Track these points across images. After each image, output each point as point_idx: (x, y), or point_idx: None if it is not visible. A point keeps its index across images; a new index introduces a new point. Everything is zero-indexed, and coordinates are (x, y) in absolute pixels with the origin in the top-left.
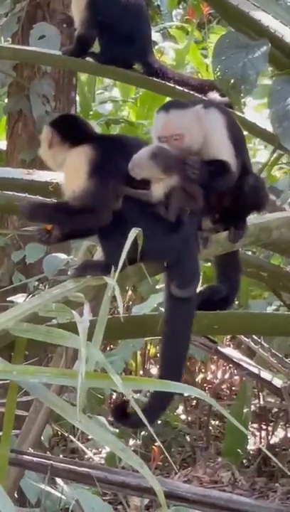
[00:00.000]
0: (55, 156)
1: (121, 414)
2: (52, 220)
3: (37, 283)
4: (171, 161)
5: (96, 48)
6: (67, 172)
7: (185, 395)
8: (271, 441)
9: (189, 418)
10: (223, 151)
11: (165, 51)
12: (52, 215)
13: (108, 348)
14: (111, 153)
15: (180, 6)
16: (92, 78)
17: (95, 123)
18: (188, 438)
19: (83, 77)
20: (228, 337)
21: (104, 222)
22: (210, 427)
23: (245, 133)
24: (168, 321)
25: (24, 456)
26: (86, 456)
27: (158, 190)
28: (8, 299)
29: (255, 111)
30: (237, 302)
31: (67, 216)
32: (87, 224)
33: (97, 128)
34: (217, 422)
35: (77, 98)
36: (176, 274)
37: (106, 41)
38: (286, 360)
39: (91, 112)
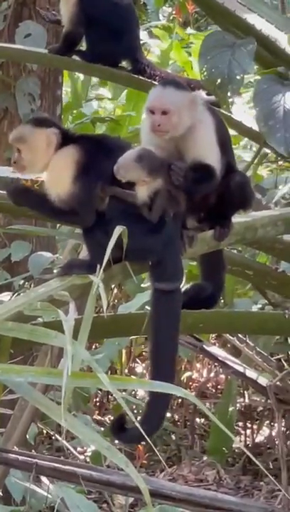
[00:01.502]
0: (46, 159)
1: (119, 428)
2: (36, 210)
3: (22, 281)
4: (156, 165)
5: (82, 46)
6: (52, 175)
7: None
8: (257, 440)
9: (174, 416)
10: (210, 155)
11: (151, 49)
12: (36, 205)
13: (93, 347)
14: (97, 153)
15: (167, 5)
16: (87, 76)
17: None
18: (173, 436)
19: (77, 74)
20: (213, 336)
21: (87, 224)
22: (195, 426)
23: (232, 132)
24: (153, 317)
25: (9, 454)
26: (71, 455)
27: (142, 193)
28: None
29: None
30: (222, 301)
31: (51, 212)
32: (70, 223)
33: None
34: (202, 421)
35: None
36: (160, 272)
37: (93, 38)
38: (272, 358)
39: (74, 111)
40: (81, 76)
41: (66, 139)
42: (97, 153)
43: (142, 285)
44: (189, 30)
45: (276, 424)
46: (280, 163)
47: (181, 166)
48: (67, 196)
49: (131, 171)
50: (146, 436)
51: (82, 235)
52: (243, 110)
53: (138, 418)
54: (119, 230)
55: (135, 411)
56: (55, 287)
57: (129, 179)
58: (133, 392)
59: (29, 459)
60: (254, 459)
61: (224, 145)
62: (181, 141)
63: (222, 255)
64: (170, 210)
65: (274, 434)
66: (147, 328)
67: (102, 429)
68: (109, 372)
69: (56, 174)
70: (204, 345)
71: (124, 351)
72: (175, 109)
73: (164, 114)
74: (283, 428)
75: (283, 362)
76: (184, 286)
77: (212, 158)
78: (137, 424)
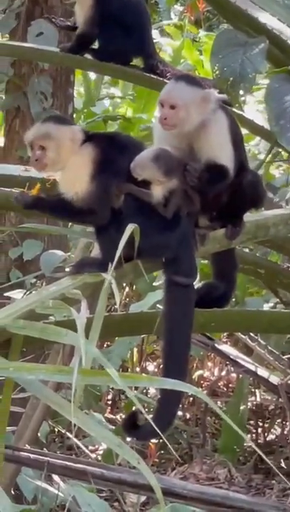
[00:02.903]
0: (69, 157)
1: (132, 425)
2: (50, 214)
3: (34, 280)
4: (173, 165)
5: (94, 44)
6: (70, 174)
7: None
8: (268, 439)
9: (186, 415)
10: (223, 155)
11: (163, 48)
12: (50, 211)
13: (105, 346)
14: (112, 151)
15: (178, 3)
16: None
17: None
18: (184, 435)
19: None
20: (225, 334)
21: (103, 222)
22: (207, 424)
23: (245, 131)
24: (168, 311)
25: (21, 452)
26: (83, 453)
27: (158, 192)
28: (5, 294)
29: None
30: (233, 299)
31: (67, 213)
32: (86, 221)
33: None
34: (213, 419)
35: (76, 94)
36: (175, 267)
37: (105, 36)
38: (283, 357)
39: (85, 110)
40: (93, 75)
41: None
42: (112, 150)
43: (154, 284)
44: (200, 29)
45: (287, 423)
46: None
47: (196, 167)
48: (85, 194)
49: (148, 170)
50: (159, 433)
51: (94, 233)
52: (255, 109)
53: (150, 416)
54: (130, 227)
55: (146, 409)
56: (67, 286)
57: (145, 178)
58: (144, 391)
59: (41, 457)
60: (265, 457)
61: (237, 144)
62: (194, 140)
63: (234, 254)
64: (185, 209)
65: (285, 432)
66: (159, 327)
67: (114, 427)
68: (121, 370)
69: (74, 173)
70: (215, 344)
71: (135, 350)
72: (183, 105)
73: (172, 109)
74: None
75: None
76: (196, 285)
77: (226, 158)
78: (150, 421)
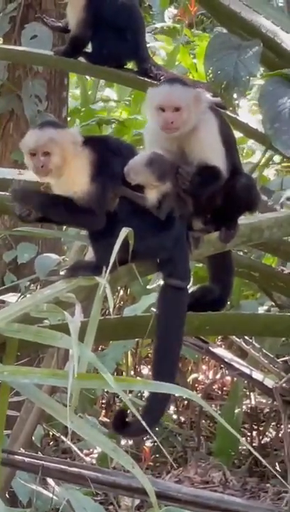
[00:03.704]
0: (72, 160)
1: (121, 423)
2: (44, 211)
3: (28, 283)
4: (166, 169)
5: (88, 48)
6: (70, 176)
7: (177, 395)
8: (263, 442)
9: (180, 418)
10: (215, 156)
11: (156, 52)
12: (45, 206)
13: (99, 349)
14: (107, 154)
15: (172, 6)
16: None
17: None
18: (179, 438)
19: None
20: (219, 337)
21: (99, 225)
22: (201, 427)
23: (239, 134)
24: (161, 313)
25: (15, 456)
26: (77, 457)
27: (152, 196)
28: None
29: (251, 114)
30: (228, 303)
31: (63, 212)
32: (81, 224)
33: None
34: (208, 422)
35: (71, 97)
36: (170, 269)
37: (99, 40)
38: (278, 360)
39: (82, 110)
40: (90, 77)
41: None
42: (107, 153)
43: (148, 287)
44: (193, 31)
45: (282, 426)
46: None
47: (188, 170)
48: (85, 196)
49: (141, 175)
50: (148, 430)
51: (88, 237)
52: (247, 109)
53: None
54: (125, 231)
55: (141, 412)
56: (61, 289)
57: (139, 182)
58: (139, 394)
59: (35, 460)
60: (262, 459)
61: (229, 146)
62: (185, 142)
63: (231, 259)
64: (178, 211)
65: (280, 435)
66: (153, 330)
67: (108, 430)
68: (115, 374)
69: (74, 174)
70: (210, 347)
71: (129, 353)
72: (185, 106)
73: (176, 111)
74: (289, 429)
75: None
76: (190, 288)
77: (217, 159)
78: (139, 417)
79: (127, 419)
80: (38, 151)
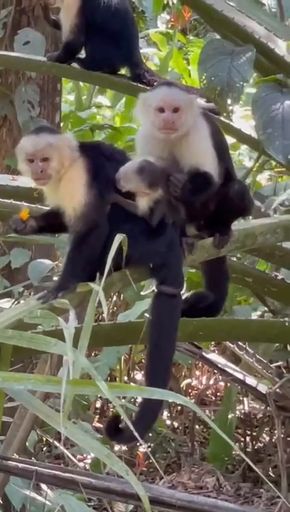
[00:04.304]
0: (69, 164)
1: (114, 430)
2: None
3: (22, 289)
4: (157, 176)
5: (81, 53)
6: (68, 187)
7: (170, 401)
8: (256, 447)
9: (174, 424)
10: (206, 161)
11: (149, 57)
12: (86, 264)
13: (92, 354)
14: (103, 160)
15: (165, 12)
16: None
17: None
18: (172, 443)
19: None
20: (213, 343)
21: (105, 232)
22: (195, 433)
23: (232, 140)
24: (155, 320)
25: (9, 462)
26: (71, 462)
27: (143, 204)
28: None
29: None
30: None
31: (83, 253)
32: (97, 242)
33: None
34: (201, 428)
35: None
36: (163, 275)
37: (92, 45)
38: (271, 365)
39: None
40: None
41: None
42: (101, 159)
43: (141, 293)
44: (187, 37)
45: (275, 431)
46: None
47: (179, 177)
48: (85, 207)
49: (132, 182)
50: (137, 438)
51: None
52: (240, 115)
53: None
54: (119, 238)
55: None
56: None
57: (130, 189)
58: (132, 400)
59: (29, 466)
60: (253, 466)
61: (221, 152)
62: (177, 147)
63: (226, 266)
64: (170, 217)
65: (273, 441)
66: (146, 335)
67: (102, 436)
68: (109, 379)
69: (72, 185)
70: (203, 353)
71: (123, 359)
72: (184, 107)
73: (175, 112)
74: (282, 435)
75: (283, 369)
76: (184, 294)
77: (209, 165)
78: (130, 425)
79: (120, 426)
80: (37, 157)
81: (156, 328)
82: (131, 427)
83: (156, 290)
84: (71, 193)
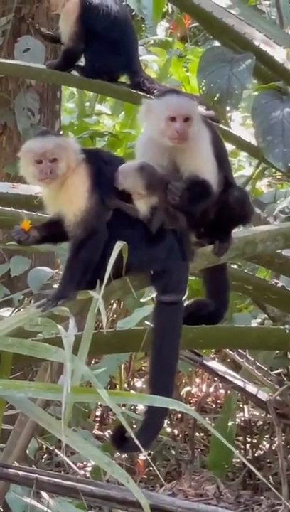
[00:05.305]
0: (75, 166)
1: (120, 439)
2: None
3: (22, 297)
4: (155, 180)
5: (81, 61)
6: (68, 191)
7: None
8: (256, 454)
9: (174, 431)
10: (206, 169)
11: (149, 64)
12: (85, 271)
13: (92, 362)
14: (103, 166)
15: (164, 20)
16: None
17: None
18: (172, 451)
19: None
20: (213, 350)
21: (104, 239)
22: (195, 440)
23: (232, 147)
24: (157, 329)
25: (9, 469)
26: (71, 470)
27: (142, 207)
28: None
29: (244, 127)
30: None
31: (82, 259)
32: (96, 249)
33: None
34: (202, 435)
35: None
36: (164, 283)
37: (92, 53)
38: (271, 373)
39: (76, 123)
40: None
41: None
42: (102, 165)
43: (141, 300)
44: (187, 45)
45: (276, 439)
46: (279, 176)
47: (178, 186)
48: (85, 213)
49: (130, 178)
50: (141, 448)
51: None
52: (239, 123)
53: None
54: (119, 245)
55: (135, 426)
56: None
57: (126, 187)
58: (133, 407)
59: (29, 474)
60: (256, 471)
61: (221, 159)
62: (177, 154)
63: (227, 275)
64: (170, 225)
65: (273, 448)
66: (147, 343)
67: (102, 444)
68: (109, 387)
69: (73, 190)
70: (203, 360)
71: (123, 366)
72: (194, 117)
73: (186, 121)
74: (283, 442)
75: (283, 376)
76: (185, 301)
77: (209, 172)
78: (133, 436)
79: (126, 435)
80: (46, 157)
81: (158, 336)
82: (134, 437)
83: (155, 301)
84: (72, 198)
